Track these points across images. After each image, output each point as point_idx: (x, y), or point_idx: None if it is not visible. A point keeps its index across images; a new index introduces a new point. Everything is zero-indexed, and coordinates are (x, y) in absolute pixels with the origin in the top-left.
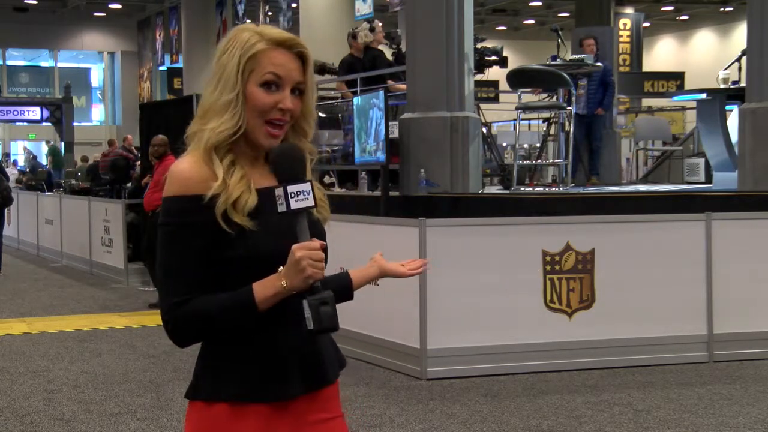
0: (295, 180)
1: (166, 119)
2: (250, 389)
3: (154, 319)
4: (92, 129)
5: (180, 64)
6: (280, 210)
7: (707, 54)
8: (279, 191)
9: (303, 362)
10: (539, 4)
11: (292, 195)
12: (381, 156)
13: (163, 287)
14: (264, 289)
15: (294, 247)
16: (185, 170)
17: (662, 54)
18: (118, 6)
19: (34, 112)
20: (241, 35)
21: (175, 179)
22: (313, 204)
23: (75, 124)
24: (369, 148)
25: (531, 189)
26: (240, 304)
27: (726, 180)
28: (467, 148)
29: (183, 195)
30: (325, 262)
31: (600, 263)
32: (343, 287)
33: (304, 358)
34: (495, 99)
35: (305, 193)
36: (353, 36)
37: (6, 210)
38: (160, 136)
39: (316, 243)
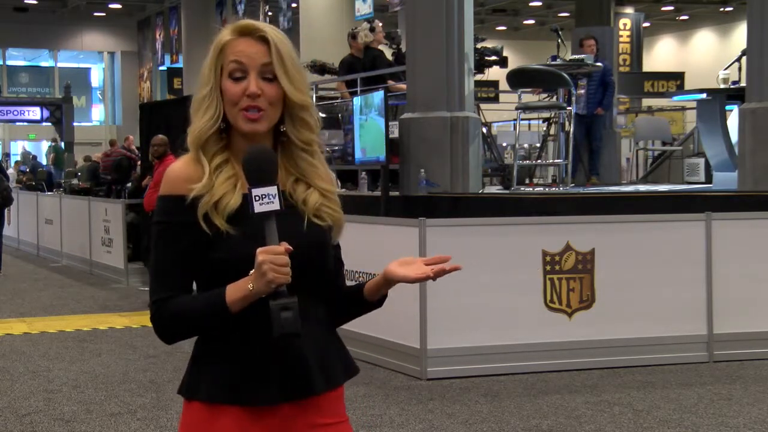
0: (261, 183)
1: (166, 119)
2: (222, 391)
3: None
4: (92, 129)
5: (180, 64)
6: (250, 214)
7: (707, 54)
8: (249, 194)
9: (283, 370)
10: (539, 4)
11: (257, 198)
12: (381, 155)
13: (151, 284)
14: (235, 291)
15: (258, 250)
16: (174, 170)
17: (662, 54)
18: (118, 6)
19: (34, 112)
20: (219, 33)
21: (165, 179)
22: (278, 208)
23: (75, 124)
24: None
25: (531, 189)
26: (213, 305)
27: (726, 180)
28: (467, 148)
29: (169, 195)
30: (323, 265)
31: (600, 263)
32: (352, 291)
33: (285, 366)
34: (495, 99)
35: (270, 196)
36: (353, 36)
37: (6, 210)
38: (160, 136)
39: (280, 248)
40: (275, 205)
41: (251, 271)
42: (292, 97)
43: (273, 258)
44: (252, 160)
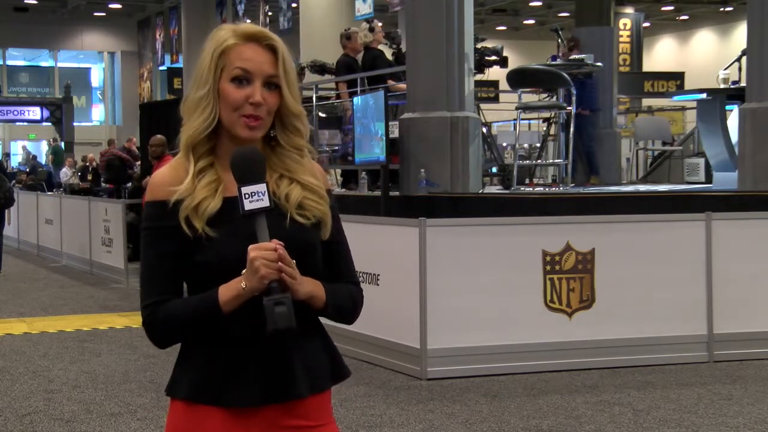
0: (250, 181)
1: (166, 119)
2: (204, 391)
3: None
4: (92, 129)
5: (180, 64)
6: (241, 212)
7: (707, 54)
8: (239, 192)
9: (266, 371)
10: (539, 4)
11: (246, 196)
12: (381, 154)
13: (141, 290)
14: (227, 291)
15: (250, 247)
16: (158, 176)
17: (662, 54)
18: (118, 6)
19: (34, 112)
20: (218, 33)
21: (150, 184)
22: (268, 205)
23: (75, 124)
24: (369, 142)
25: (531, 189)
26: (205, 306)
27: (726, 180)
28: (467, 148)
29: (152, 200)
30: (305, 266)
31: (600, 263)
32: None
33: (268, 368)
34: (495, 99)
35: (260, 194)
36: (347, 37)
37: (6, 210)
38: (158, 136)
39: (272, 244)
40: (265, 203)
41: (243, 271)
42: (290, 107)
43: (265, 254)
44: (240, 159)
